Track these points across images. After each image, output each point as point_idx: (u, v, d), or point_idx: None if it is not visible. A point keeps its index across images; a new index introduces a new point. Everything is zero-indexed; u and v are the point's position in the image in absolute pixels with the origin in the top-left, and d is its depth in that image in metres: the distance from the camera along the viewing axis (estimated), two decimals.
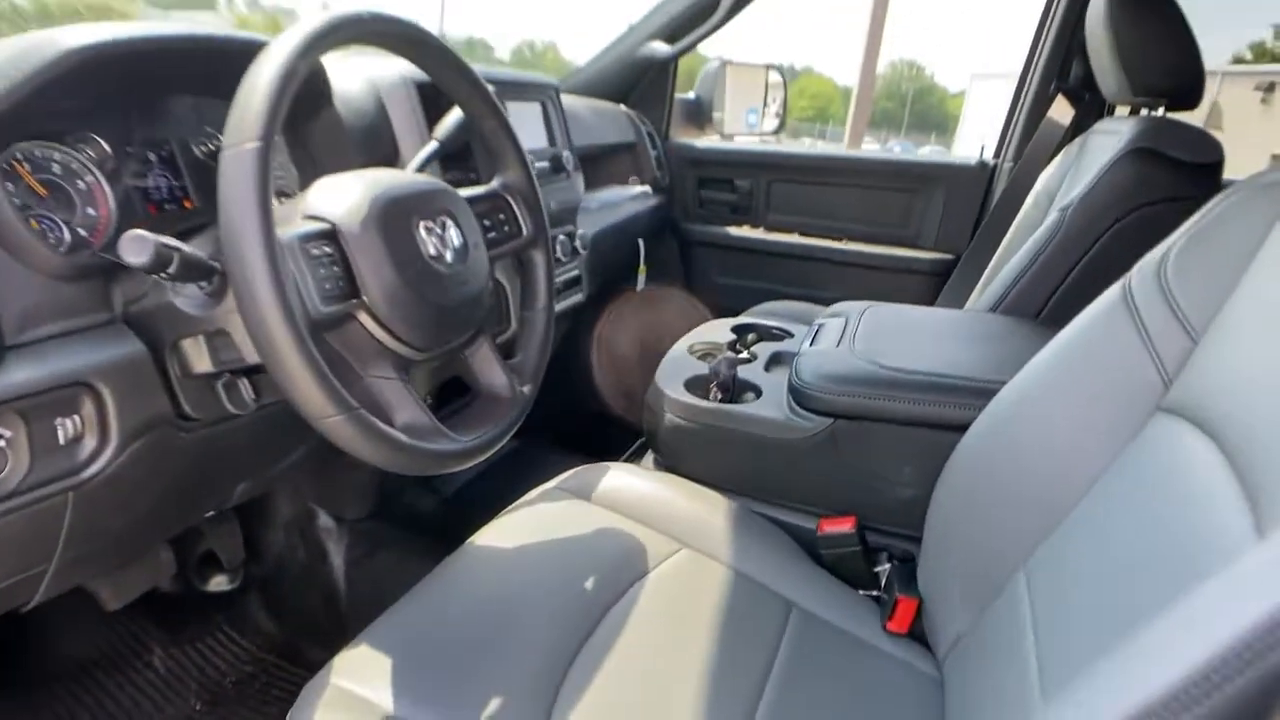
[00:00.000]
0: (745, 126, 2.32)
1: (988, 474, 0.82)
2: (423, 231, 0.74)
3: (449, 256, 0.76)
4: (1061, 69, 1.76)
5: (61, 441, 0.71)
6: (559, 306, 1.36)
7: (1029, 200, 1.59)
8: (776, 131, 2.39)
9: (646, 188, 1.94)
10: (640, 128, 1.99)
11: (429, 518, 1.58)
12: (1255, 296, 0.63)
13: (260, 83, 0.62)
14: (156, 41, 0.79)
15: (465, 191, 0.86)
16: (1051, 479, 0.73)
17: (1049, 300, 1.26)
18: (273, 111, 0.61)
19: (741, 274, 2.14)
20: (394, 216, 0.71)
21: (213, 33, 0.85)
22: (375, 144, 1.06)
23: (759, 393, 1.10)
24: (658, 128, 2.09)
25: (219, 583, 1.36)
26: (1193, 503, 0.56)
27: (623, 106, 2.00)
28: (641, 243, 1.89)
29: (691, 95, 2.23)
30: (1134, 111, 1.42)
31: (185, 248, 0.64)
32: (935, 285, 1.90)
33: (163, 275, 0.64)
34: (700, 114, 2.21)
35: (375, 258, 0.69)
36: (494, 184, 0.91)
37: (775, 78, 2.38)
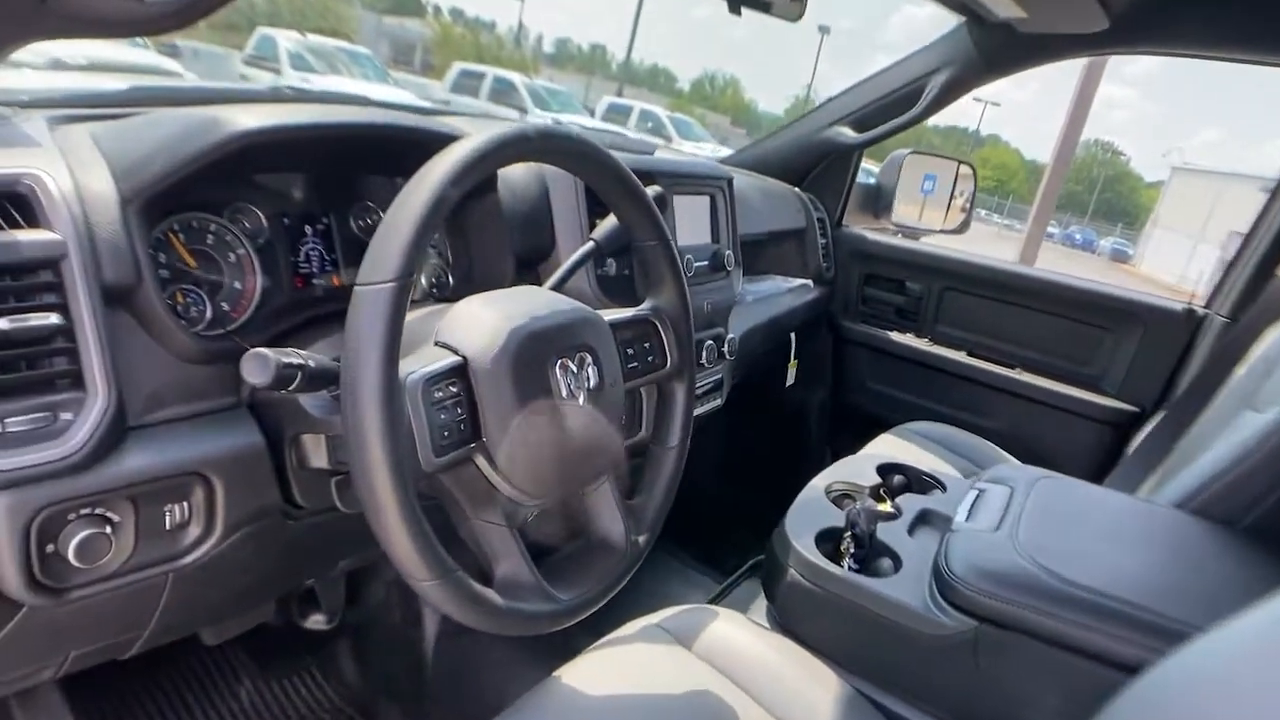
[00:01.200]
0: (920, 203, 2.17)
1: None
2: (558, 371, 0.68)
3: (582, 399, 0.70)
4: None
5: (168, 527, 0.70)
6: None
7: (1242, 368, 1.37)
8: (959, 230, 2.21)
9: (808, 281, 1.84)
10: (812, 214, 1.89)
11: None
12: None
13: (405, 216, 0.59)
14: (319, 129, 0.78)
15: (612, 315, 0.80)
16: None
17: (1256, 505, 1.06)
18: (414, 249, 0.58)
19: (897, 384, 1.97)
20: (530, 354, 0.66)
21: (375, 120, 0.83)
22: (533, 232, 1.03)
23: (898, 562, 0.98)
24: (831, 215, 1.98)
25: (316, 621, 1.36)
26: None
27: (797, 190, 1.91)
28: (794, 337, 1.80)
29: (872, 180, 2.11)
30: None
31: (311, 361, 0.61)
32: (1111, 437, 1.69)
33: (286, 391, 0.61)
34: (878, 201, 2.08)
35: (503, 400, 0.64)
36: (645, 307, 0.85)
37: (965, 170, 2.21)
